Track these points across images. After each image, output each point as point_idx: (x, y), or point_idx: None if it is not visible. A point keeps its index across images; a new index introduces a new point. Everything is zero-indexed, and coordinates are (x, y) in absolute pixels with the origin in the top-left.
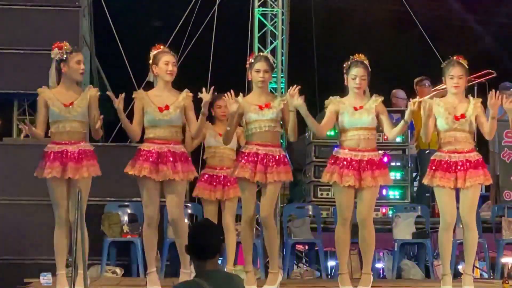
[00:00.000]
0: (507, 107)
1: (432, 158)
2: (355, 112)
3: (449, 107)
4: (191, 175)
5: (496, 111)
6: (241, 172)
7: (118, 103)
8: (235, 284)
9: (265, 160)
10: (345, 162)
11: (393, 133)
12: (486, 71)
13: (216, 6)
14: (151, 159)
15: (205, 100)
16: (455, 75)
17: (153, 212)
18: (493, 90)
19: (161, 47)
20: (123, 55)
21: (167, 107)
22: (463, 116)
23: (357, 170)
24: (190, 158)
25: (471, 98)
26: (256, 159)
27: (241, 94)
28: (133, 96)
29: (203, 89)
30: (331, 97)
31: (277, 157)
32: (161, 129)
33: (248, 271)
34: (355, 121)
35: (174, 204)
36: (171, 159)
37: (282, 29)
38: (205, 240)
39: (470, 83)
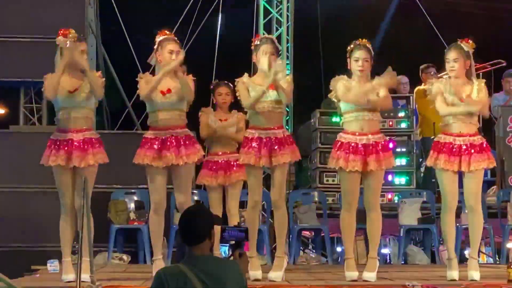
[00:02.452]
0: None
1: (435, 140)
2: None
3: (454, 90)
4: (197, 156)
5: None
6: (246, 158)
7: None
8: (228, 269)
9: (269, 143)
10: (350, 147)
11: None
12: (497, 60)
13: None
14: (155, 147)
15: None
16: (450, 58)
17: (160, 199)
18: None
19: (167, 32)
20: (129, 42)
21: (169, 91)
22: (469, 97)
23: (363, 154)
24: (195, 139)
25: (475, 80)
26: (260, 143)
27: (246, 74)
28: (139, 78)
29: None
30: (337, 76)
31: (281, 138)
32: (164, 112)
33: (252, 256)
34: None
35: (181, 189)
36: (175, 144)
37: (287, 15)
38: (192, 225)
39: (478, 71)
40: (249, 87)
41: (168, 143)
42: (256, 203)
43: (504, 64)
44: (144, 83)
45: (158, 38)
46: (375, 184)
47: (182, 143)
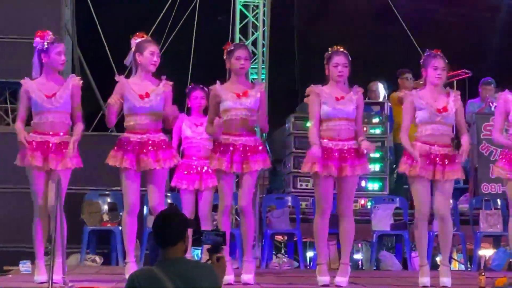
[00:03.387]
0: None
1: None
2: (337, 102)
3: (430, 100)
4: (174, 161)
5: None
6: (218, 163)
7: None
8: (202, 273)
9: (242, 150)
10: (325, 152)
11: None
12: (461, 70)
13: None
14: (132, 150)
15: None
16: (439, 66)
17: (134, 201)
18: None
19: (144, 35)
20: (105, 44)
21: (147, 95)
22: (445, 109)
23: (338, 160)
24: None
25: (450, 90)
26: (232, 149)
27: (218, 82)
28: (115, 78)
29: None
30: (312, 85)
31: (254, 145)
32: (141, 116)
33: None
34: (337, 111)
35: (156, 192)
36: (152, 148)
37: (263, 20)
38: (166, 228)
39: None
40: (221, 96)
41: (146, 147)
42: (227, 208)
43: (470, 75)
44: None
45: (136, 40)
46: (349, 190)
47: (159, 147)
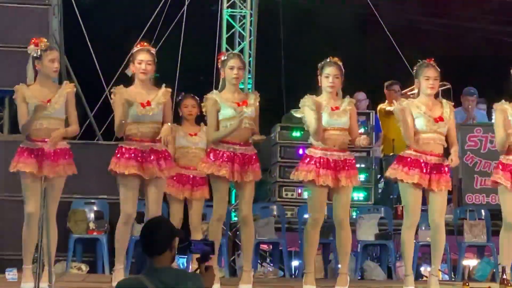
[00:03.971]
0: None
1: (402, 155)
2: (333, 113)
3: (426, 109)
4: (174, 171)
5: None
6: (219, 170)
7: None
8: (189, 282)
9: (241, 159)
10: (321, 161)
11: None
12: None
13: (185, 6)
14: (135, 157)
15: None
16: (431, 76)
17: (132, 210)
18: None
19: (144, 44)
20: (92, 54)
21: (148, 103)
22: (441, 118)
23: (333, 170)
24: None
25: (443, 100)
26: (233, 158)
27: (215, 91)
28: (111, 91)
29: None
30: (306, 96)
31: (253, 156)
32: (143, 125)
33: (215, 268)
34: (333, 122)
35: (156, 201)
36: (154, 157)
37: (250, 30)
38: (153, 236)
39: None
40: (220, 105)
41: (149, 156)
42: (221, 216)
43: (448, 86)
44: (117, 104)
45: (133, 50)
46: (346, 200)
47: (161, 156)
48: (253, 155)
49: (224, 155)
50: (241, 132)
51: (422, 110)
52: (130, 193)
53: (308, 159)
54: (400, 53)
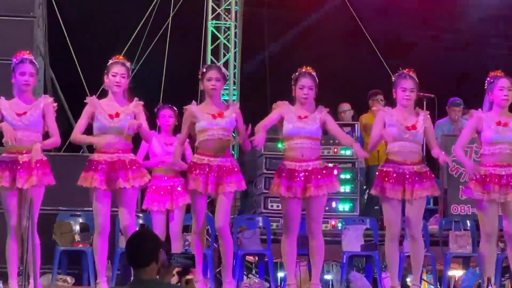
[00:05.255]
0: None
1: (380, 168)
2: (299, 120)
3: (400, 118)
4: (144, 180)
5: None
6: (193, 184)
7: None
8: None
9: (217, 171)
10: (290, 173)
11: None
12: (424, 95)
13: (170, 18)
14: (102, 170)
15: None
16: (407, 87)
17: (105, 222)
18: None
19: (119, 57)
20: (78, 66)
21: (117, 115)
22: (414, 127)
23: (303, 181)
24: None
25: (420, 110)
26: (208, 170)
27: (194, 102)
28: (85, 101)
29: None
30: (279, 101)
31: (230, 167)
32: (111, 136)
33: (197, 280)
34: (298, 130)
35: (127, 212)
36: (122, 167)
37: (235, 42)
38: (139, 248)
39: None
40: (197, 116)
41: (116, 167)
42: (199, 228)
43: (432, 96)
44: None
45: (108, 63)
46: (316, 210)
47: (129, 166)
48: (232, 166)
49: (199, 167)
50: (216, 144)
51: (394, 118)
52: (101, 205)
53: (279, 172)
54: (385, 64)
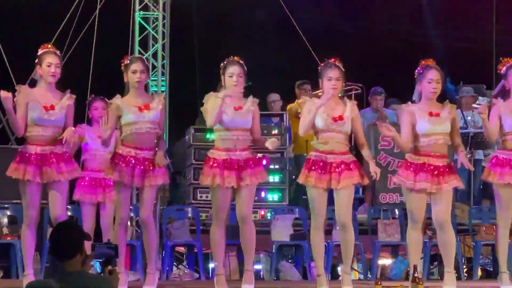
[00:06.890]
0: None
1: (307, 157)
2: (235, 113)
3: (326, 108)
4: (76, 173)
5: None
6: (118, 175)
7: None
8: (100, 285)
9: (143, 163)
10: (224, 164)
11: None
12: (352, 86)
13: (98, 9)
14: (34, 162)
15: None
16: (333, 76)
17: (34, 214)
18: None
19: (48, 46)
20: (5, 58)
21: (52, 107)
22: (341, 118)
23: (236, 170)
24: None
25: (347, 100)
26: (134, 162)
27: (118, 95)
28: (15, 89)
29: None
30: (211, 92)
31: (154, 160)
32: (45, 128)
33: (121, 272)
34: (235, 122)
35: (58, 204)
36: (54, 160)
37: (163, 32)
38: (62, 240)
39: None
40: (123, 110)
41: (49, 160)
42: (123, 220)
43: (359, 91)
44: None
45: (39, 52)
46: (249, 197)
47: (61, 159)
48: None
49: (124, 159)
50: (144, 137)
51: (321, 109)
52: (32, 197)
53: (210, 162)
54: (314, 55)
